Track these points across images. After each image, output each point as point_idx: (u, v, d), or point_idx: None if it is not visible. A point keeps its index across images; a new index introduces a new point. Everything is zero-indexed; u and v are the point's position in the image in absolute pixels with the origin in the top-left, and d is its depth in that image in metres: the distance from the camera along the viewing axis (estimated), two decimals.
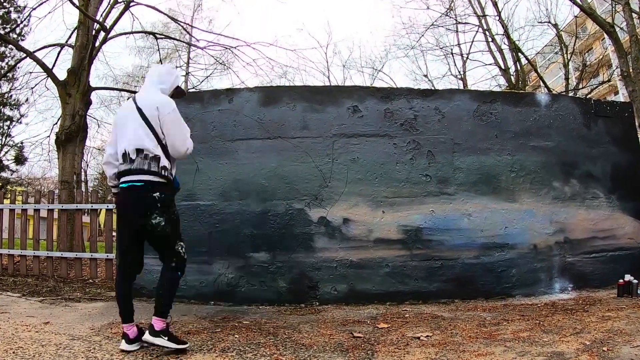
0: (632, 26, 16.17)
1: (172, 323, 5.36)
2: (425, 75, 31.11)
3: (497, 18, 23.38)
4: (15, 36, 20.14)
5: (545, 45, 30.06)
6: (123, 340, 4.26)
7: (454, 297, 7.10)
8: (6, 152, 28.95)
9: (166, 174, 4.35)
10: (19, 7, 21.24)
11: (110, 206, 8.35)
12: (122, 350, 4.19)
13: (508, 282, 7.28)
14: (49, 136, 20.12)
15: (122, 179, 4.36)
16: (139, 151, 4.28)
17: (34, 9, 20.28)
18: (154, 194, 4.25)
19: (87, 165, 40.29)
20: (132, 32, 18.65)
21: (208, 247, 7.20)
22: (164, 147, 4.36)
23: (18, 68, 20.65)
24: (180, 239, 4.50)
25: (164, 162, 4.34)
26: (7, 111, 28.07)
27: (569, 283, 7.52)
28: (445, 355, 4.10)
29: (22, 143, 27.67)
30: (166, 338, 4.14)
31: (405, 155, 7.44)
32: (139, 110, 4.36)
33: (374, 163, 7.38)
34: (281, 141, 7.40)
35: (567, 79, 23.95)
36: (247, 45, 19.07)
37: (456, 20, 25.50)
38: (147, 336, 4.16)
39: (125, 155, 4.34)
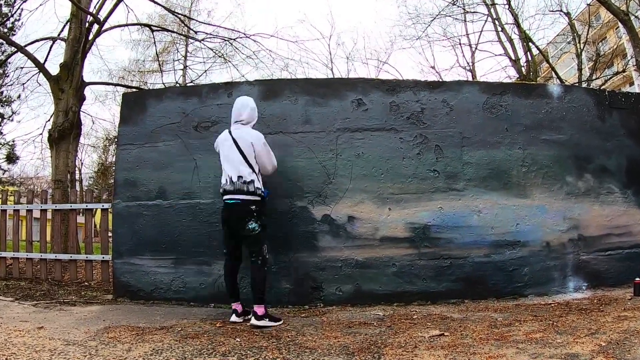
0: None
1: (171, 326, 5.42)
2: (433, 67, 31.22)
3: (507, 6, 23.33)
4: (5, 30, 20.14)
5: (557, 35, 29.99)
6: (233, 315, 6.05)
7: (463, 297, 7.09)
8: None
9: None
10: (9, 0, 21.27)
11: (106, 206, 8.35)
12: (232, 322, 5.92)
13: (520, 281, 7.27)
14: (41, 134, 20.11)
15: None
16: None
17: (25, 1, 20.36)
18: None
19: (82, 163, 40.35)
20: (127, 25, 18.69)
21: (208, 247, 7.19)
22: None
23: (9, 63, 20.66)
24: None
25: (257, 183, 6.10)
26: None
27: (584, 282, 7.51)
28: (455, 358, 4.10)
29: (13, 141, 27.61)
30: (267, 319, 5.74)
31: (412, 150, 7.43)
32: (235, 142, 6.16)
33: (379, 158, 7.37)
34: (283, 136, 7.40)
35: (580, 69, 23.92)
36: (246, 37, 19.19)
37: (464, 9, 25.47)
38: (253, 321, 5.68)
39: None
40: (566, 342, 4.37)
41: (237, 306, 6.06)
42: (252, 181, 6.00)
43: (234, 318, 5.96)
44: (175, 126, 7.51)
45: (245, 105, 6.42)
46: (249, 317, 5.84)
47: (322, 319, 6.11)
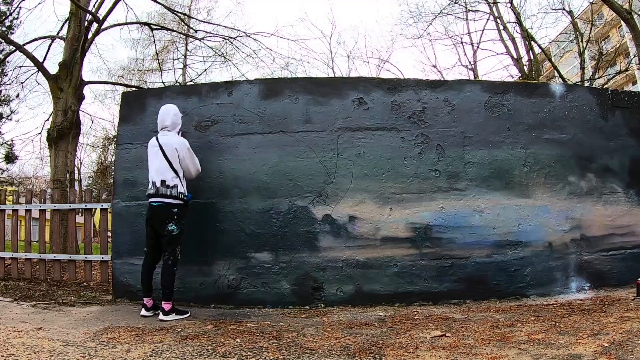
0: None
1: (170, 327, 5.47)
2: (434, 66, 31.30)
3: (509, 5, 23.38)
4: (4, 29, 20.14)
5: (560, 34, 30.05)
6: (143, 309, 6.34)
7: (465, 298, 7.10)
8: None
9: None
10: None
11: (105, 205, 8.34)
12: (142, 315, 6.24)
13: (522, 282, 7.27)
14: (40, 133, 20.08)
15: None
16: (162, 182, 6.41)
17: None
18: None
19: (81, 163, 40.41)
20: (126, 23, 18.66)
21: (207, 247, 7.20)
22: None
23: (7, 62, 20.62)
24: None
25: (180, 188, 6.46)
26: None
27: (586, 282, 7.51)
28: (456, 359, 4.10)
29: (12, 140, 27.67)
30: (174, 314, 6.13)
31: (413, 150, 7.43)
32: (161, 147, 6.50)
33: (380, 158, 7.37)
34: (283, 136, 7.40)
35: (582, 68, 23.93)
36: (247, 36, 19.19)
37: (466, 7, 25.50)
38: (161, 316, 6.03)
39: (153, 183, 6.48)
40: (569, 343, 4.37)
41: (148, 301, 6.37)
42: (175, 185, 6.42)
43: (143, 312, 6.32)
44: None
45: (168, 112, 6.74)
46: (158, 311, 6.23)
47: (323, 319, 6.11)
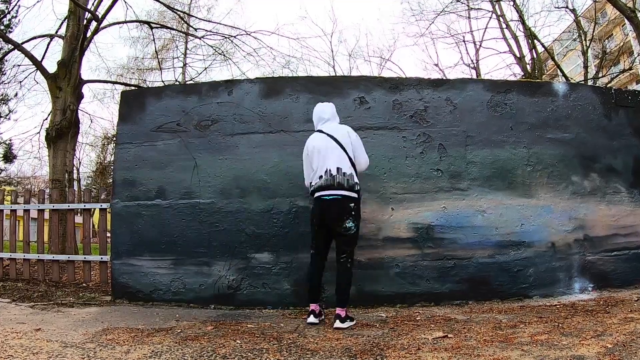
0: None
1: (170, 328, 5.43)
2: (436, 64, 31.22)
3: (512, 3, 23.35)
4: (2, 27, 20.14)
5: (563, 32, 30.01)
6: (311, 316, 5.88)
7: (467, 299, 7.10)
8: None
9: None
10: None
11: (104, 205, 8.34)
12: (310, 323, 5.81)
13: (525, 283, 7.27)
14: (38, 132, 20.08)
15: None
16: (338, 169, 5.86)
17: None
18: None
19: (80, 162, 40.44)
20: (125, 22, 18.66)
21: (207, 247, 7.20)
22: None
23: (5, 61, 20.64)
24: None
25: (356, 179, 5.94)
26: None
27: (589, 283, 7.50)
28: None
29: (10, 140, 27.56)
30: (349, 321, 5.68)
31: (415, 149, 7.44)
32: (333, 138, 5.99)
33: (382, 157, 7.37)
34: (284, 135, 7.41)
35: (586, 67, 23.92)
36: (247, 34, 19.20)
37: (468, 5, 25.49)
38: (338, 324, 5.55)
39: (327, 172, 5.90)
40: (572, 344, 4.36)
41: (316, 307, 5.92)
42: (352, 175, 5.87)
43: (311, 319, 5.84)
44: (175, 125, 7.51)
45: (325, 106, 6.39)
46: (322, 317, 5.97)
47: (324, 320, 6.11)
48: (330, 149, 5.91)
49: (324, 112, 6.30)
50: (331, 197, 5.79)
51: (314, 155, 6.03)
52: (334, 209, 5.81)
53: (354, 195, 5.84)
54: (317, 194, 5.93)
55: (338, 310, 5.65)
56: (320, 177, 5.88)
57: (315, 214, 6.02)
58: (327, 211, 5.86)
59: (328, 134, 6.02)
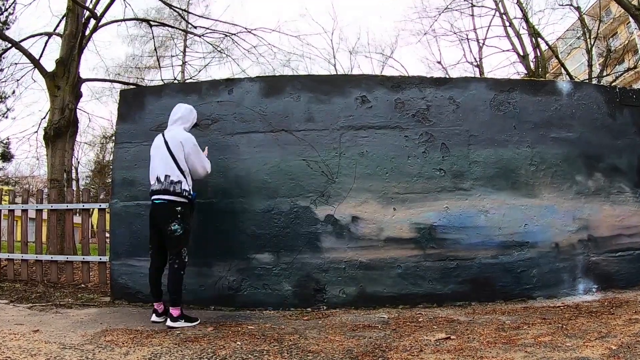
0: None
1: (170, 330, 5.54)
2: (439, 62, 31.33)
3: (515, 1, 23.36)
4: None
5: (567, 30, 30.03)
6: (153, 314, 6.12)
7: (470, 300, 7.09)
8: None
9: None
10: None
11: (103, 205, 8.35)
12: (153, 321, 6.04)
13: (528, 283, 7.27)
14: (36, 131, 20.12)
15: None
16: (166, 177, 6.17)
17: None
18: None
19: (78, 162, 40.47)
20: (124, 20, 18.67)
21: (207, 248, 7.20)
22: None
23: (3, 59, 20.64)
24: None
25: (185, 185, 6.22)
26: None
27: (594, 284, 7.50)
28: None
29: (8, 139, 27.68)
30: (182, 320, 5.89)
31: (417, 149, 7.43)
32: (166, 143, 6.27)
33: (384, 157, 7.37)
34: (285, 134, 7.41)
35: (590, 65, 23.93)
36: (247, 32, 19.19)
37: (471, 3, 25.50)
38: (169, 322, 5.81)
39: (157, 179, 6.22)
40: (576, 346, 4.37)
41: (158, 306, 6.15)
42: (180, 182, 6.18)
43: (154, 317, 6.10)
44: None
45: (179, 107, 6.70)
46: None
47: (325, 321, 6.11)
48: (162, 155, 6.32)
49: (174, 113, 6.65)
50: (159, 201, 6.19)
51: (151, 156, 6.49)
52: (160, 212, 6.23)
53: (182, 199, 6.21)
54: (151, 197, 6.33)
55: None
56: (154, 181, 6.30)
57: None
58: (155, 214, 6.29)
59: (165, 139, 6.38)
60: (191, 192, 6.30)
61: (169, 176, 6.13)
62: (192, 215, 6.45)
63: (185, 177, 6.22)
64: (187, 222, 6.23)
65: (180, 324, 5.82)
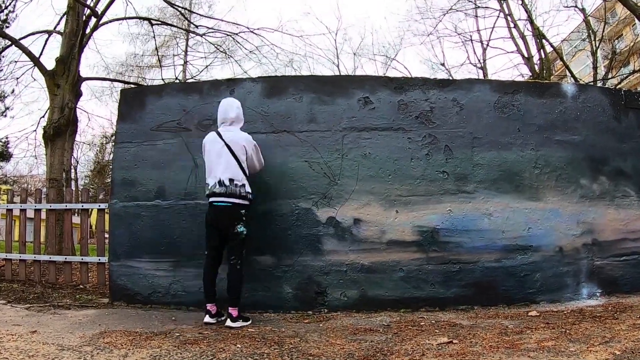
0: None
1: (169, 331, 5.45)
2: (443, 64, 31.20)
3: (520, 2, 23.37)
4: None
5: (572, 32, 30.03)
6: (207, 316, 6.19)
7: (473, 304, 7.09)
8: None
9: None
10: None
11: (102, 205, 8.35)
12: (206, 323, 6.12)
13: (532, 288, 7.26)
14: (35, 130, 20.16)
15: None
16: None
17: None
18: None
19: (77, 161, 40.51)
20: (125, 18, 18.71)
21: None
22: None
23: (2, 57, 20.67)
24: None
25: (248, 188, 6.40)
26: None
27: (598, 288, 7.49)
28: None
29: (7, 138, 27.69)
30: (241, 321, 6.08)
31: (420, 151, 7.43)
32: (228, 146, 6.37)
33: (387, 159, 7.37)
34: (286, 135, 7.41)
35: (595, 68, 23.93)
36: (249, 32, 19.21)
37: (475, 4, 25.50)
38: (229, 323, 5.99)
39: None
40: (579, 351, 4.37)
41: (211, 307, 6.23)
42: (244, 185, 6.33)
43: (207, 319, 6.17)
44: (175, 124, 7.52)
45: (231, 104, 6.69)
46: (222, 318, 6.22)
47: (326, 325, 6.11)
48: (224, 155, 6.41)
49: (227, 111, 6.68)
50: (223, 203, 6.30)
51: (209, 157, 6.55)
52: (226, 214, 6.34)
53: (246, 202, 6.41)
54: (210, 200, 6.43)
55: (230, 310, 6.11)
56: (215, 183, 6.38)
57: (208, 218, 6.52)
58: (219, 216, 6.37)
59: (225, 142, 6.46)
60: (252, 194, 6.46)
61: (234, 180, 6.26)
62: (252, 216, 6.60)
63: (247, 179, 6.40)
64: (249, 223, 6.42)
65: (240, 323, 6.01)
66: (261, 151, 6.95)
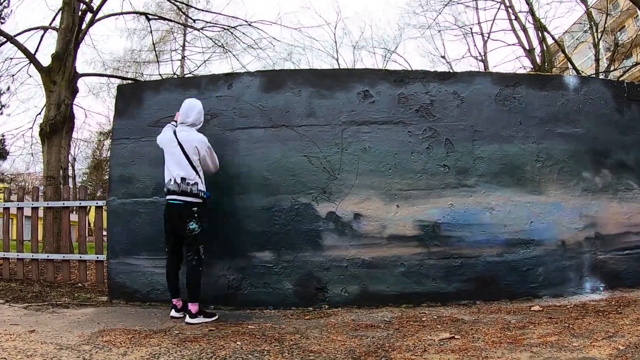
0: None
1: (168, 329, 5.46)
2: (443, 57, 31.18)
3: None
4: None
5: (574, 24, 30.02)
6: (172, 310, 6.42)
7: (475, 299, 7.09)
8: None
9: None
10: None
11: (100, 203, 8.34)
12: (172, 317, 6.34)
13: (534, 282, 7.26)
14: (32, 127, 20.10)
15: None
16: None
17: None
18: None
19: (75, 158, 40.40)
20: (121, 13, 18.68)
21: (207, 246, 7.17)
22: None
23: None
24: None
25: (201, 186, 6.48)
26: None
27: (601, 282, 7.49)
28: None
29: (3, 135, 27.62)
30: (201, 316, 6.13)
31: (421, 144, 7.42)
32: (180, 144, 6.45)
33: (387, 153, 7.36)
34: (285, 130, 7.40)
35: (597, 60, 23.90)
36: (248, 25, 19.15)
37: None
38: (187, 319, 6.07)
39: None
40: (583, 346, 4.37)
41: (177, 302, 6.43)
42: (196, 183, 6.42)
43: (173, 313, 6.41)
44: (173, 119, 7.51)
45: (192, 108, 6.76)
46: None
47: (327, 321, 6.11)
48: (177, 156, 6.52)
49: (187, 114, 6.75)
50: (175, 201, 6.42)
51: (165, 155, 6.68)
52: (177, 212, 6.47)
53: (198, 200, 6.47)
54: (166, 197, 6.59)
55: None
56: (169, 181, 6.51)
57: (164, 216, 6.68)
58: (172, 214, 6.50)
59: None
60: (205, 192, 6.51)
61: (185, 178, 6.35)
62: (206, 214, 6.67)
63: (200, 178, 6.48)
64: (203, 220, 6.51)
65: (199, 319, 6.07)
66: (260, 146, 6.97)
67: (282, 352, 4.56)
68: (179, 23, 23.32)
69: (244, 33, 20.15)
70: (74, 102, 15.39)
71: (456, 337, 4.98)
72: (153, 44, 21.61)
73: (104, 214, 8.21)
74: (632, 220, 7.82)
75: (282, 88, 7.53)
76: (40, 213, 9.30)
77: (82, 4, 15.09)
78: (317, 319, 6.32)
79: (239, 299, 7.09)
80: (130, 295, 7.29)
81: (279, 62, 28.32)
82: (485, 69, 26.56)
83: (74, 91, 15.15)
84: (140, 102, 7.76)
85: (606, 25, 24.99)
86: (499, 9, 25.75)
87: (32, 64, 15.73)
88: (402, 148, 7.37)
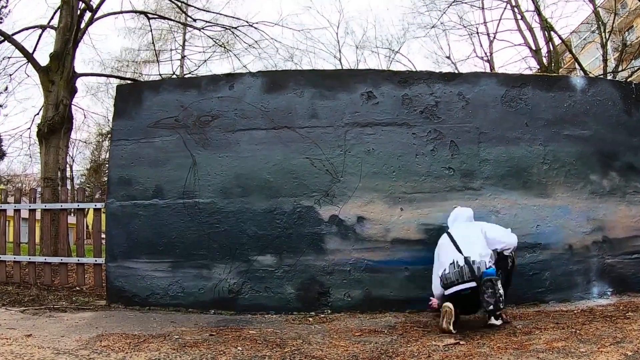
0: None
1: (167, 334, 5.42)
2: (448, 57, 31.09)
3: None
4: None
5: (581, 24, 29.93)
6: None
7: None
8: None
9: None
10: None
11: (99, 205, 8.34)
12: None
13: (541, 287, 7.25)
14: (29, 128, 20.06)
15: None
16: None
17: None
18: None
19: (73, 160, 40.38)
20: (121, 12, 18.66)
21: (207, 249, 7.20)
22: None
23: None
24: None
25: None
26: None
27: (608, 287, 7.48)
28: None
29: (0, 136, 27.68)
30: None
31: (425, 146, 7.42)
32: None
33: (390, 155, 7.36)
34: (287, 131, 7.41)
35: (605, 60, 23.85)
36: (249, 25, 19.14)
37: None
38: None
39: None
40: (590, 352, 4.36)
41: None
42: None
43: None
44: (173, 120, 7.52)
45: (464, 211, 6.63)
46: None
47: (330, 326, 6.12)
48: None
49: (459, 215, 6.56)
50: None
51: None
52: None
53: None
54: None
55: None
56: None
57: None
58: None
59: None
60: None
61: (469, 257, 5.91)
62: None
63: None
64: None
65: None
66: (262, 148, 7.03)
67: (283, 357, 4.56)
68: (178, 22, 23.30)
69: (245, 33, 20.16)
70: (72, 103, 15.37)
71: (461, 342, 4.98)
72: (152, 43, 21.59)
73: (103, 216, 8.21)
74: None
75: (284, 89, 7.54)
76: (38, 215, 9.28)
77: (81, 3, 15.09)
78: (320, 324, 6.32)
79: (239, 304, 7.09)
80: (129, 299, 7.29)
81: (281, 62, 28.34)
82: (491, 70, 26.52)
83: (73, 91, 15.13)
84: (140, 102, 7.77)
85: (614, 25, 24.96)
86: (505, 8, 25.69)
87: (30, 64, 15.70)
88: (406, 150, 7.37)
